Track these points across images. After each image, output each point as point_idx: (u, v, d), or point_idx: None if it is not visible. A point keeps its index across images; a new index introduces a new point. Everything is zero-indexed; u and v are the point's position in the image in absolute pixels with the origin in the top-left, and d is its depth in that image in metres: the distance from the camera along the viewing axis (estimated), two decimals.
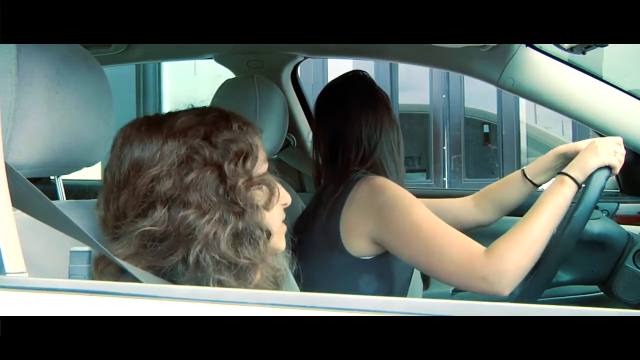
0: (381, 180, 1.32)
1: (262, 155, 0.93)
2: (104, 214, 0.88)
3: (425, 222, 1.25)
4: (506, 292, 1.18)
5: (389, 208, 1.28)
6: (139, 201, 0.84)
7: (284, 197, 0.96)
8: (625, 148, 1.31)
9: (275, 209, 0.94)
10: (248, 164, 0.88)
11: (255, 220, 0.86)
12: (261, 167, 0.92)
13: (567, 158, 1.34)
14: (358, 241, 1.31)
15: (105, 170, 0.89)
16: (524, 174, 1.47)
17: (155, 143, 0.85)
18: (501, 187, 1.53)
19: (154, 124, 0.88)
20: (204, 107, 0.94)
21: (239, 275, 0.84)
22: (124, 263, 0.78)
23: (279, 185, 0.96)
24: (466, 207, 1.55)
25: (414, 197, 1.30)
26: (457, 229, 1.24)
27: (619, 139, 1.29)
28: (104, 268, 0.81)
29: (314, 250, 1.36)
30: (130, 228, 0.83)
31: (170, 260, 0.82)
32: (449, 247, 1.21)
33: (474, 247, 1.21)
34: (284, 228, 0.99)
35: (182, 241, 0.82)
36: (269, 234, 0.89)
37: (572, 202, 1.25)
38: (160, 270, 0.83)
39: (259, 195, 0.89)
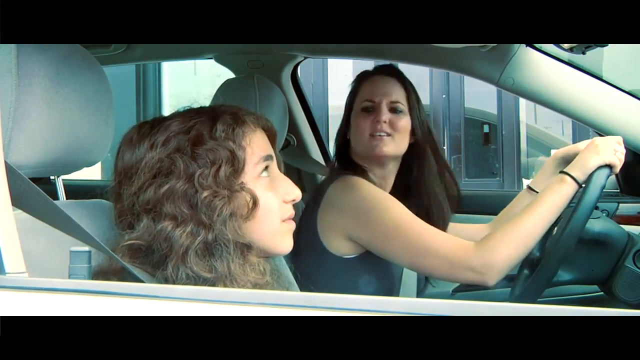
0: (355, 180, 1.33)
1: (255, 158, 0.90)
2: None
3: (405, 220, 1.26)
4: (492, 282, 1.21)
5: (365, 207, 1.29)
6: (127, 211, 0.85)
7: (289, 193, 0.94)
8: (625, 148, 1.31)
9: (267, 213, 0.90)
10: (221, 174, 0.85)
11: (225, 233, 0.83)
12: (253, 168, 0.90)
13: (567, 161, 1.34)
14: (336, 241, 1.32)
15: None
16: (530, 189, 1.48)
17: (142, 150, 0.86)
18: (512, 208, 1.52)
19: (145, 131, 0.88)
20: (200, 107, 0.92)
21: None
22: (128, 265, 0.78)
23: (283, 183, 0.94)
24: (485, 234, 1.53)
25: (391, 196, 1.31)
26: None
27: (619, 139, 1.29)
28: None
29: (299, 249, 1.37)
30: (119, 240, 0.84)
31: (162, 274, 0.82)
32: (435, 242, 1.23)
33: (460, 240, 1.24)
34: (291, 226, 0.95)
35: (166, 255, 0.82)
36: (247, 246, 0.86)
37: (572, 202, 1.26)
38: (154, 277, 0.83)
39: (236, 205, 0.85)
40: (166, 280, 0.81)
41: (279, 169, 0.97)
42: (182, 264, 0.81)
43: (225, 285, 0.82)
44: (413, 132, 1.43)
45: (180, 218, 0.82)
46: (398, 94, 1.42)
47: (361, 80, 1.48)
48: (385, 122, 1.39)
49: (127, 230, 0.85)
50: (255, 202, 0.87)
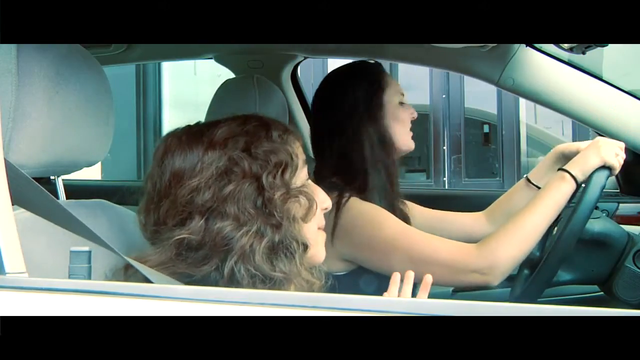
0: (343, 199, 1.29)
1: (301, 162, 0.92)
2: (144, 221, 0.89)
3: (400, 233, 1.24)
4: (496, 282, 1.20)
5: (357, 227, 1.26)
6: (178, 210, 0.84)
7: (324, 201, 0.96)
8: (625, 148, 1.31)
9: (313, 219, 0.92)
10: (287, 176, 0.87)
11: (292, 233, 0.85)
12: (301, 174, 0.92)
13: (567, 157, 1.33)
14: (328, 261, 1.26)
15: (147, 179, 0.90)
16: (528, 180, 1.47)
17: (196, 153, 0.85)
18: (509, 198, 1.51)
19: (195, 134, 0.88)
20: (246, 115, 0.92)
21: (273, 288, 0.83)
22: (141, 265, 0.77)
23: (319, 190, 0.95)
24: (479, 222, 1.52)
25: (383, 210, 1.28)
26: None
27: (622, 144, 1.29)
28: (132, 274, 0.81)
29: None
30: (167, 235, 0.84)
31: (203, 269, 0.82)
32: (434, 250, 1.22)
33: (459, 245, 1.23)
34: (323, 236, 0.96)
35: (218, 252, 0.82)
36: (305, 247, 0.88)
37: (572, 202, 1.26)
38: (191, 280, 0.83)
39: (297, 207, 0.87)
40: (206, 278, 0.82)
41: None
42: (246, 262, 0.81)
43: (283, 286, 0.84)
44: None
45: (243, 218, 0.83)
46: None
47: (376, 73, 1.42)
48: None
49: (178, 227, 0.84)
50: (311, 204, 0.89)
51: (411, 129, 1.42)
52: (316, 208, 0.90)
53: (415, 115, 1.42)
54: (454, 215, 1.54)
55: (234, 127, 0.88)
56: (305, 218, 0.89)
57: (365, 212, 1.28)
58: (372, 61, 1.47)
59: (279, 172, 0.86)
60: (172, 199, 0.85)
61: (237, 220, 0.82)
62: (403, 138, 1.41)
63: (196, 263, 0.82)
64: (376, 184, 1.34)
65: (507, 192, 1.53)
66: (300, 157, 0.92)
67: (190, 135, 0.88)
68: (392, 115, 1.39)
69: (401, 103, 1.41)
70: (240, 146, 0.86)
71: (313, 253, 0.92)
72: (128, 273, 0.82)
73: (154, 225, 0.87)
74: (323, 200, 0.96)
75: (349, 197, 1.29)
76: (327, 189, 1.30)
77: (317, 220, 0.94)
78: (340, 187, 1.31)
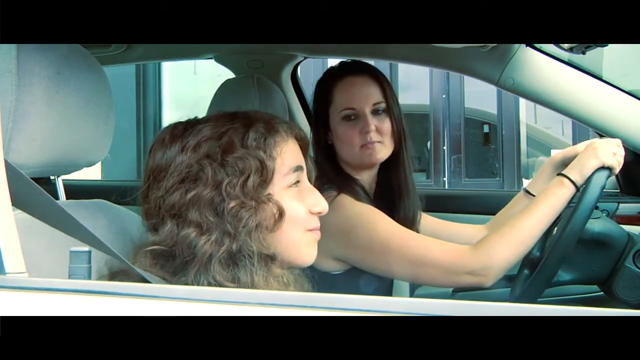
0: (338, 199, 1.28)
1: (284, 168, 0.88)
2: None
3: (394, 234, 1.24)
4: (490, 283, 1.21)
5: (352, 227, 1.26)
6: (152, 213, 0.84)
7: (315, 204, 0.92)
8: (625, 148, 1.31)
9: (293, 223, 0.88)
10: (249, 184, 0.84)
11: (249, 244, 0.82)
12: (283, 179, 0.88)
13: (565, 163, 1.33)
14: (323, 260, 1.26)
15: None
16: (527, 192, 1.47)
17: (172, 154, 0.85)
18: (509, 210, 1.51)
19: (176, 133, 0.87)
20: (234, 113, 0.90)
21: None
22: (141, 270, 0.77)
23: (310, 193, 0.92)
24: (481, 234, 1.49)
25: (376, 210, 1.28)
26: None
27: (618, 141, 1.28)
28: (119, 280, 0.80)
29: None
30: (140, 244, 0.84)
31: (181, 281, 0.81)
32: (428, 251, 1.22)
33: (453, 246, 1.23)
34: (316, 235, 0.94)
35: (187, 262, 0.81)
36: (270, 257, 0.85)
37: (572, 202, 1.26)
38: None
39: (262, 216, 0.84)
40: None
41: (310, 179, 0.95)
42: (204, 272, 0.80)
43: None
44: (394, 130, 1.37)
45: (205, 226, 0.81)
46: (376, 94, 1.37)
47: (331, 84, 1.40)
48: (373, 130, 1.34)
49: (152, 232, 0.84)
50: (281, 214, 0.86)
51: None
52: (283, 217, 0.86)
53: (367, 137, 1.33)
54: (456, 225, 1.55)
55: (216, 127, 0.86)
56: (272, 227, 0.85)
57: (359, 213, 1.28)
58: (340, 65, 1.44)
59: (240, 181, 0.83)
60: (147, 200, 0.85)
61: (200, 228, 0.81)
62: (345, 153, 1.38)
63: (173, 272, 0.82)
64: (348, 189, 1.34)
65: (507, 205, 1.53)
66: (282, 161, 0.88)
67: (173, 134, 0.87)
68: (334, 129, 1.38)
69: (347, 118, 1.36)
70: (210, 152, 0.84)
71: (297, 255, 0.90)
72: (115, 280, 0.81)
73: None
74: (313, 203, 0.92)
75: (335, 196, 1.28)
76: (323, 191, 1.31)
77: (305, 224, 0.91)
78: (327, 187, 1.31)
